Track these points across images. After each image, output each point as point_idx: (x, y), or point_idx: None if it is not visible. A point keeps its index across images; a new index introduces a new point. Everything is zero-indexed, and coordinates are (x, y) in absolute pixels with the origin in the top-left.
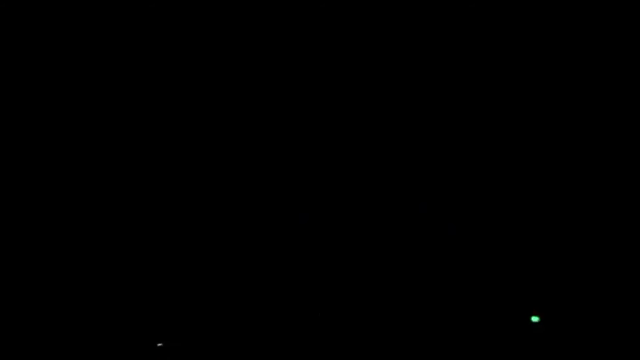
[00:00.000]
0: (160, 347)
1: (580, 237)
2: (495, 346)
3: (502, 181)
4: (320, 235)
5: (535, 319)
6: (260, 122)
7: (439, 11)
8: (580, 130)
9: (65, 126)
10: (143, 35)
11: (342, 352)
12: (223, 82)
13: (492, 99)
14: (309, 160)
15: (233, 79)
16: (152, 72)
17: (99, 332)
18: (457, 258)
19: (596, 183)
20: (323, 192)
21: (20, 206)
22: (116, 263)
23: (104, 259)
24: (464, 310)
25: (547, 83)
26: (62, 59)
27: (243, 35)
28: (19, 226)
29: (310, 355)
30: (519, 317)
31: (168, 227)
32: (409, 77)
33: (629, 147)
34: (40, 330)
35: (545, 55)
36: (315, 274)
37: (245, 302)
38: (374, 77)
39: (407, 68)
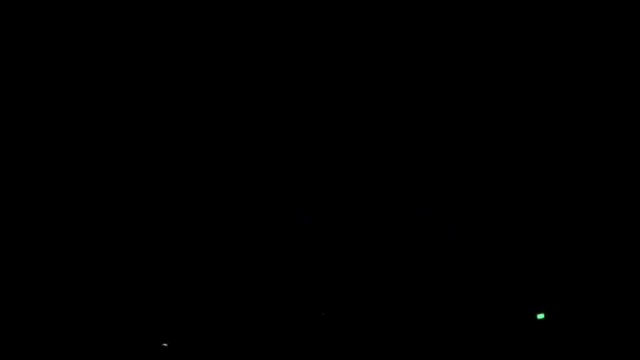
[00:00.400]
0: (162, 347)
1: (582, 235)
2: (497, 345)
3: (502, 181)
4: (320, 235)
5: (540, 316)
6: (260, 122)
7: (439, 11)
8: (580, 130)
9: (64, 126)
10: (143, 35)
11: (344, 352)
12: (222, 82)
13: (492, 99)
14: (309, 160)
15: (232, 79)
16: (152, 72)
17: (99, 332)
18: (457, 258)
19: (597, 182)
20: (323, 192)
21: (20, 206)
22: (116, 263)
23: (105, 258)
24: (464, 310)
25: (547, 83)
26: (62, 58)
27: (242, 35)
28: (19, 226)
29: (313, 355)
30: (521, 316)
31: (168, 227)
32: (408, 77)
33: (629, 148)
34: (41, 330)
35: (545, 55)
36: (316, 274)
37: (246, 302)
38: (374, 77)
39: (406, 68)
